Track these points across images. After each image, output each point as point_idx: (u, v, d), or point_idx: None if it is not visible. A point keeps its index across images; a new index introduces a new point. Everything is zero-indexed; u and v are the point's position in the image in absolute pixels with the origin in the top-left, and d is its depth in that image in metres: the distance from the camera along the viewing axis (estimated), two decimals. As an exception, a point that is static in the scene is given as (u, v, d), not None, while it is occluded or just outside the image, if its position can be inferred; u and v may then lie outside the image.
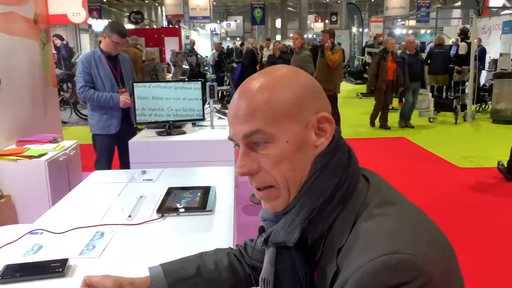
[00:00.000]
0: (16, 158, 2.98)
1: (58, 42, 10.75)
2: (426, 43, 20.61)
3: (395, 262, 0.62)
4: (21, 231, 1.55)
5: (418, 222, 0.71)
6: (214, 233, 1.58)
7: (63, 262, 1.30)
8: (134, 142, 3.16)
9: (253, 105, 0.74)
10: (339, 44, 18.16)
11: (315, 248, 0.76)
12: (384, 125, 7.91)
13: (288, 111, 0.74)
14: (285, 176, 0.75)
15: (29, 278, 1.24)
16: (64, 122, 7.36)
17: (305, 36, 25.18)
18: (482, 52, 10.69)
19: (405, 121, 8.01)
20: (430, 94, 8.57)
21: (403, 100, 10.26)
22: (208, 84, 3.52)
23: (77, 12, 4.59)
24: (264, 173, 0.76)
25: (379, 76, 7.54)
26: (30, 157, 3.00)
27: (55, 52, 10.26)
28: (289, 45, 11.97)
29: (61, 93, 7.99)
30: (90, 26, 16.88)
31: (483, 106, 9.21)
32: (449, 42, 12.49)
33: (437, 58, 9.08)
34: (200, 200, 1.83)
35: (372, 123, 8.03)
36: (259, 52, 11.16)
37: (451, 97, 8.57)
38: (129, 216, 1.69)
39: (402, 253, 0.62)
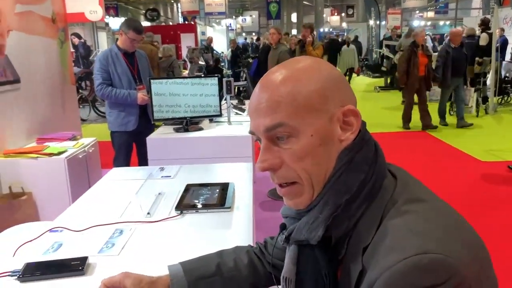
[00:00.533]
0: (36, 155, 3.01)
1: (76, 40, 10.85)
2: (445, 35, 20.30)
3: (426, 262, 0.59)
4: (41, 229, 1.55)
5: (449, 220, 0.67)
6: (233, 230, 1.56)
7: (83, 260, 1.30)
8: (151, 139, 3.17)
9: (275, 98, 0.71)
10: (356, 37, 18.07)
11: (339, 246, 0.73)
12: (428, 125, 7.09)
13: (312, 103, 0.71)
14: (308, 172, 0.72)
15: (49, 277, 1.24)
16: (83, 120, 7.44)
17: (321, 30, 25.01)
18: (504, 43, 10.45)
19: (444, 120, 7.43)
20: (472, 89, 8.12)
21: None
22: (224, 79, 3.50)
23: (94, 10, 4.63)
24: (287, 169, 0.73)
25: (411, 73, 6.82)
26: (50, 154, 3.03)
27: (73, 50, 10.37)
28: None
29: (80, 91, 8.07)
30: (107, 24, 17.02)
31: (505, 98, 9.00)
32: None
33: (468, 50, 8.84)
34: (218, 197, 1.81)
35: (406, 125, 7.30)
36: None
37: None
38: (148, 213, 1.69)
39: (433, 253, 0.59)
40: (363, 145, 0.74)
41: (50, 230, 1.55)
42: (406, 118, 7.29)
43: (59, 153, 3.05)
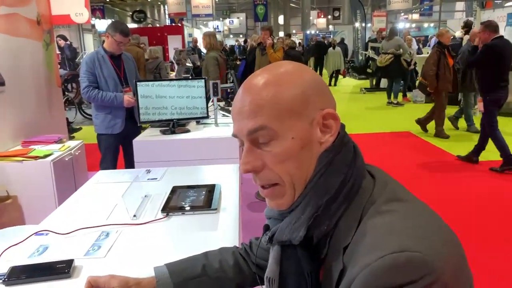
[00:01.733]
0: (22, 159, 2.99)
1: (62, 42, 10.75)
2: (429, 36, 20.51)
3: (404, 260, 0.61)
4: (26, 232, 1.55)
5: (426, 219, 0.70)
6: (219, 231, 1.57)
7: (69, 263, 1.30)
8: (138, 141, 3.16)
9: (258, 101, 0.73)
10: (342, 40, 18.19)
11: (321, 246, 0.75)
12: (441, 133, 6.68)
13: (293, 107, 0.73)
14: (290, 174, 0.74)
15: (35, 280, 1.24)
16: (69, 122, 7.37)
17: (308, 32, 25.14)
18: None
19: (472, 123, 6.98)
20: None
21: (407, 95, 10.23)
22: (211, 81, 3.51)
23: (80, 13, 4.59)
24: (269, 171, 0.75)
25: (441, 75, 6.34)
26: (36, 157, 3.00)
27: (59, 52, 10.27)
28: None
29: (66, 93, 8.00)
30: (93, 26, 16.89)
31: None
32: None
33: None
34: (205, 199, 1.82)
35: (443, 132, 6.68)
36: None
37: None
38: (134, 215, 1.69)
39: (411, 251, 0.61)
40: (342, 147, 0.76)
41: (36, 234, 1.54)
42: (441, 122, 6.72)
43: (45, 156, 3.03)
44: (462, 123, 7.14)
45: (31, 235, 1.53)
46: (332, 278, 0.71)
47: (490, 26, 4.89)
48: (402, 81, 10.19)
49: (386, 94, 10.17)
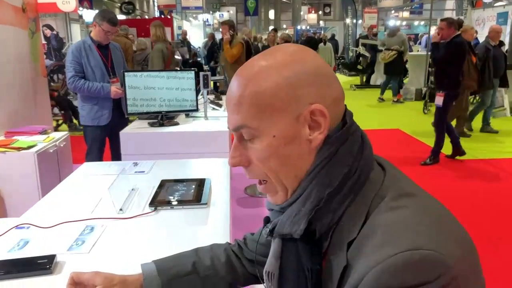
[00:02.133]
0: (4, 149, 2.90)
1: (48, 32, 10.53)
2: (419, 34, 20.61)
3: (417, 259, 0.57)
4: (7, 225, 1.48)
5: (439, 216, 0.65)
6: (209, 227, 1.52)
7: (51, 258, 1.24)
8: (125, 134, 3.09)
9: (238, 98, 0.69)
10: (333, 36, 18.17)
11: (323, 239, 0.70)
12: (464, 132, 6.53)
13: (275, 103, 0.67)
14: (275, 172, 0.71)
15: (14, 276, 1.17)
16: (54, 114, 7.25)
17: (299, 27, 25.09)
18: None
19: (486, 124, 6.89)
20: (503, 89, 7.49)
21: (400, 92, 10.23)
22: (201, 73, 3.44)
23: (66, 1, 4.49)
24: (256, 167, 0.72)
25: (465, 74, 5.81)
26: (19, 148, 2.92)
27: (45, 42, 10.08)
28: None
29: (52, 84, 7.85)
30: (81, 16, 16.64)
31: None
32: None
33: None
34: (194, 193, 1.76)
35: (464, 132, 6.54)
36: (253, 43, 11.02)
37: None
38: (121, 209, 1.63)
39: (426, 249, 0.57)
40: (348, 137, 0.70)
41: (16, 227, 1.47)
42: (462, 122, 6.52)
43: (29, 147, 2.95)
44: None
45: (11, 229, 1.46)
46: (334, 274, 0.66)
47: (454, 24, 4.89)
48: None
49: (380, 91, 10.15)
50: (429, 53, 6.75)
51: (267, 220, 0.79)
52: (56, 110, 7.18)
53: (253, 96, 0.68)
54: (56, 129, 6.93)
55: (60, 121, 7.14)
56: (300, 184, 0.71)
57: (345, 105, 0.75)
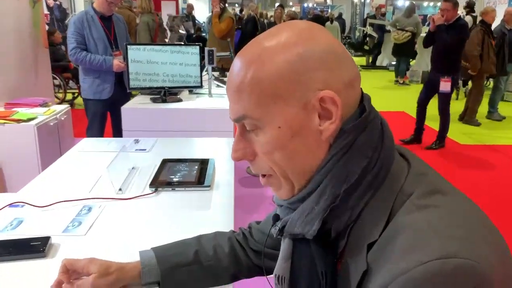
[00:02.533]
0: (3, 121, 2.83)
1: (51, 2, 10.36)
2: (428, 16, 20.22)
3: (451, 268, 0.50)
4: (1, 202, 1.41)
5: (473, 217, 0.57)
6: (212, 211, 1.45)
7: (45, 240, 1.17)
8: (126, 109, 3.01)
9: (238, 84, 0.61)
10: (340, 14, 17.85)
11: (339, 238, 0.63)
12: (473, 120, 6.38)
13: (278, 90, 0.59)
14: (280, 166, 0.63)
15: (6, 258, 1.11)
16: (70, 87, 7.19)
17: (305, 5, 24.66)
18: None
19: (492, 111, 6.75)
20: None
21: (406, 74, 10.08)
22: (206, 49, 3.33)
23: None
24: (261, 160, 0.65)
25: (484, 57, 5.85)
26: (19, 120, 2.86)
27: (48, 13, 9.91)
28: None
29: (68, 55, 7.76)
30: (85, -13, 16.35)
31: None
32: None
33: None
34: (197, 174, 1.69)
35: (473, 119, 6.35)
36: (259, 19, 10.80)
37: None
38: (120, 189, 1.56)
39: (460, 257, 0.50)
40: (367, 125, 0.62)
41: (10, 205, 1.41)
42: (472, 113, 6.37)
43: (29, 120, 2.88)
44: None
45: (4, 207, 1.39)
46: (352, 279, 0.59)
47: (457, 4, 4.70)
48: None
49: (395, 74, 10.05)
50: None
51: (276, 218, 0.71)
52: (72, 83, 7.09)
53: (254, 83, 0.60)
54: (72, 101, 6.88)
55: (76, 94, 7.04)
56: (311, 179, 0.63)
57: (361, 88, 0.66)
